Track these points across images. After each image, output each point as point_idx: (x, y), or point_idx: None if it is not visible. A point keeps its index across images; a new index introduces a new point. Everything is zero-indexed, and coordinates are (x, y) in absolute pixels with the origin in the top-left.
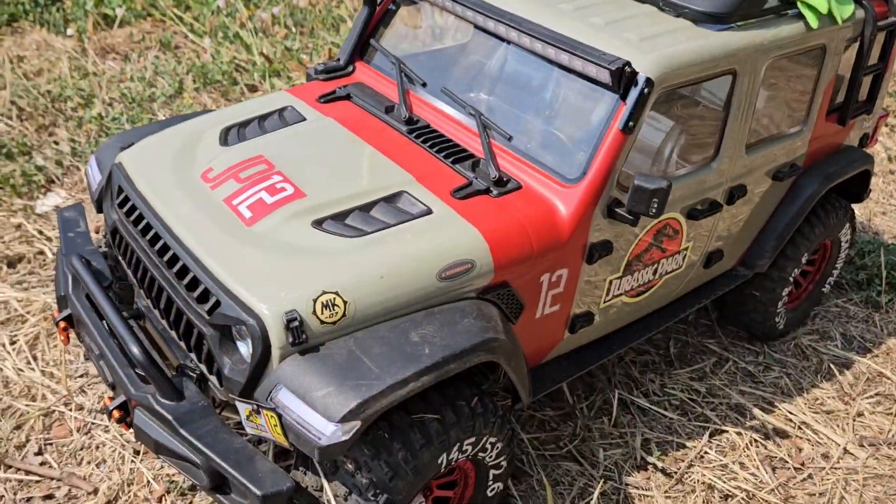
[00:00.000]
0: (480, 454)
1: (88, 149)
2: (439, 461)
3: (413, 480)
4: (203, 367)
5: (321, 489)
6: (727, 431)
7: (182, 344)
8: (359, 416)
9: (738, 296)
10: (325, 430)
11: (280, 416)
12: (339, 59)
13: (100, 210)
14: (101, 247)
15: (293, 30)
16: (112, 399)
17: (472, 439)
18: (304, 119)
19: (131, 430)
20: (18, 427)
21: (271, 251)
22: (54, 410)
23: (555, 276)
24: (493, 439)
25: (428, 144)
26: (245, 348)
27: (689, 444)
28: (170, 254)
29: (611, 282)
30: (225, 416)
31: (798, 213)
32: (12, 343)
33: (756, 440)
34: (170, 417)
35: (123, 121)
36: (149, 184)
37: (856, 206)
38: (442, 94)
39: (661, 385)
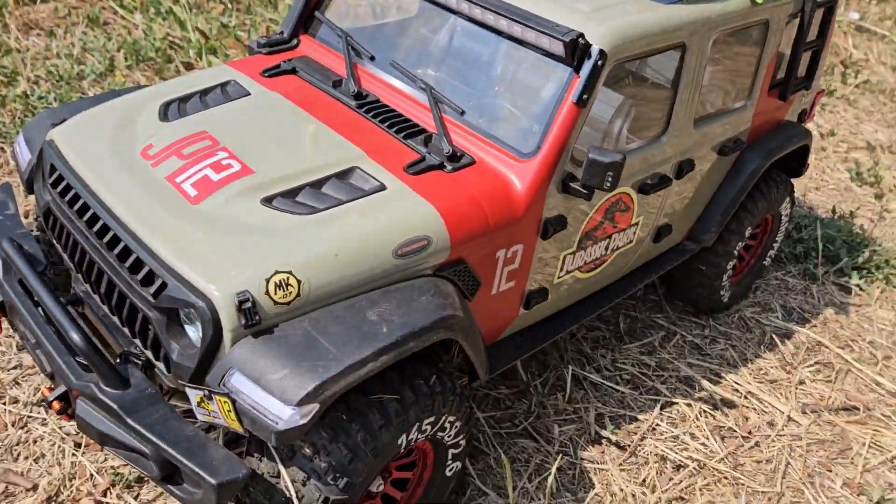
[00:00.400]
0: (439, 433)
1: (14, 129)
2: (399, 442)
3: (373, 462)
4: (149, 354)
5: (278, 475)
6: (677, 403)
7: (125, 330)
8: (317, 398)
9: (684, 271)
10: (282, 414)
11: (234, 402)
12: (282, 33)
13: (30, 191)
14: (32, 230)
15: (229, 5)
16: (51, 389)
17: (432, 419)
18: (249, 94)
19: (73, 421)
20: None
21: (219, 230)
22: None
23: (510, 251)
24: (451, 418)
25: (378, 119)
26: (194, 332)
27: (641, 417)
28: (110, 235)
29: (564, 257)
30: (174, 404)
31: (742, 188)
32: None
33: (705, 411)
34: (115, 406)
35: (51, 99)
36: (84, 161)
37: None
38: (391, 68)
39: (612, 360)
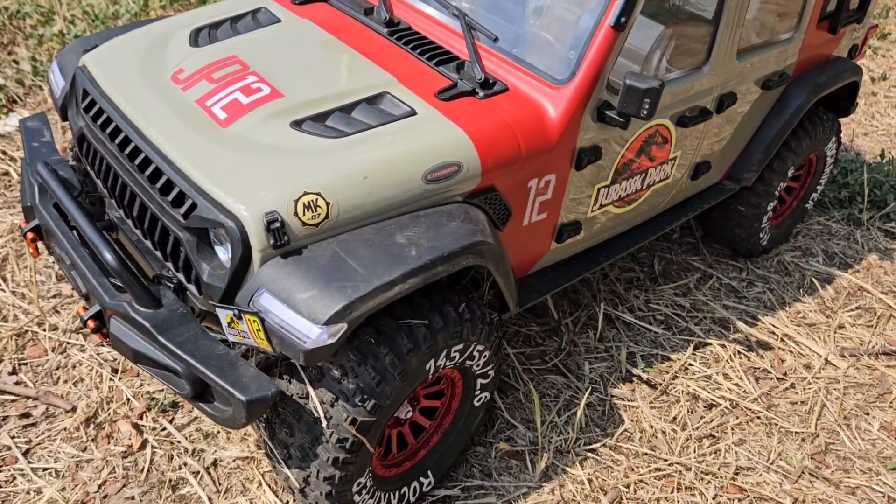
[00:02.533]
0: (468, 362)
1: (51, 67)
2: (427, 367)
3: (400, 386)
4: (181, 276)
5: (306, 397)
6: (711, 344)
7: (158, 253)
8: (344, 318)
9: (723, 211)
10: (310, 333)
11: (263, 321)
12: None
13: (65, 118)
14: (68, 160)
15: None
16: (86, 309)
17: (460, 346)
18: (279, 20)
19: (107, 340)
20: None
21: (249, 152)
22: (27, 331)
23: (542, 181)
24: (480, 347)
25: (410, 46)
26: (224, 253)
27: (673, 356)
28: (141, 157)
29: (598, 190)
30: (206, 326)
31: (786, 125)
32: None
33: (739, 352)
34: (147, 325)
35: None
36: (115, 86)
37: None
38: None
39: (645, 301)
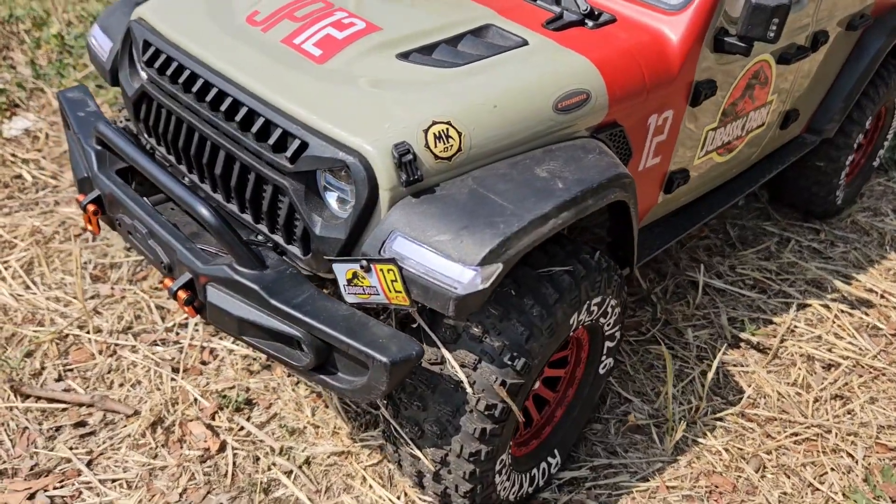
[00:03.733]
0: (601, 319)
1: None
2: (571, 321)
3: (547, 342)
4: (278, 238)
5: (441, 362)
6: (811, 305)
7: (246, 217)
8: (500, 257)
9: (798, 170)
10: (462, 277)
11: (400, 269)
12: None
13: (114, 83)
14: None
15: None
16: (172, 280)
17: (598, 298)
18: None
19: (198, 316)
20: (29, 354)
21: (357, 85)
22: (68, 335)
23: (661, 118)
24: (613, 302)
25: None
26: (336, 199)
27: (775, 319)
28: (228, 101)
29: (706, 133)
30: None
31: (867, 70)
32: (5, 268)
33: (843, 311)
34: (256, 287)
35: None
36: (184, 33)
37: None
38: None
39: (730, 266)
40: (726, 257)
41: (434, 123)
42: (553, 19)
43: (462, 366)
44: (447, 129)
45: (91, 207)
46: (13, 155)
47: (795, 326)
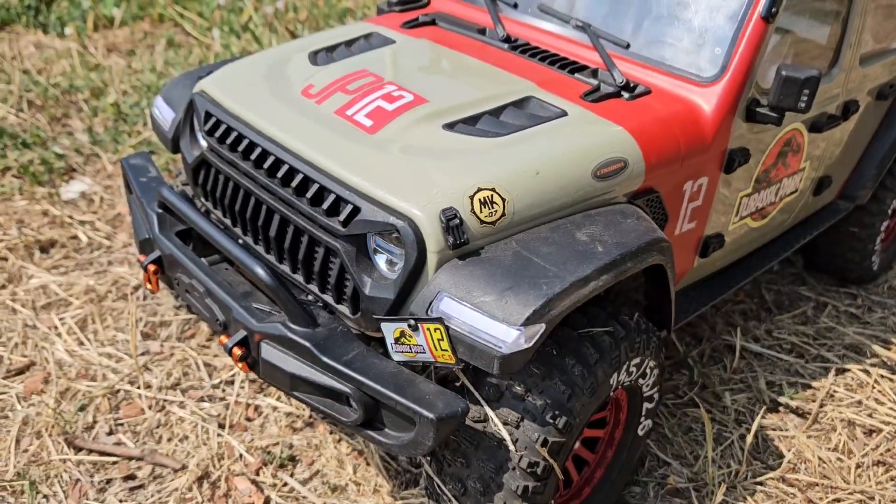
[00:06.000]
0: (640, 380)
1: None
2: (611, 381)
3: (588, 401)
4: (328, 298)
5: (485, 420)
6: (850, 370)
7: (298, 277)
8: (543, 317)
9: (833, 236)
10: (507, 336)
11: (447, 329)
12: None
13: (175, 150)
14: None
15: (300, 25)
16: (229, 336)
17: (638, 360)
18: (394, 41)
19: (251, 372)
20: (83, 408)
21: (406, 154)
22: (119, 390)
23: (696, 184)
24: (652, 363)
25: (537, 58)
26: (386, 261)
27: (814, 384)
28: (284, 169)
29: (741, 199)
30: None
31: None
32: (61, 324)
33: (884, 376)
34: (308, 344)
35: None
36: (244, 104)
37: None
38: (539, 12)
39: (766, 331)
40: (762, 322)
41: (479, 190)
42: (591, 91)
43: (505, 423)
44: (492, 196)
45: (151, 267)
46: (70, 217)
47: (835, 391)
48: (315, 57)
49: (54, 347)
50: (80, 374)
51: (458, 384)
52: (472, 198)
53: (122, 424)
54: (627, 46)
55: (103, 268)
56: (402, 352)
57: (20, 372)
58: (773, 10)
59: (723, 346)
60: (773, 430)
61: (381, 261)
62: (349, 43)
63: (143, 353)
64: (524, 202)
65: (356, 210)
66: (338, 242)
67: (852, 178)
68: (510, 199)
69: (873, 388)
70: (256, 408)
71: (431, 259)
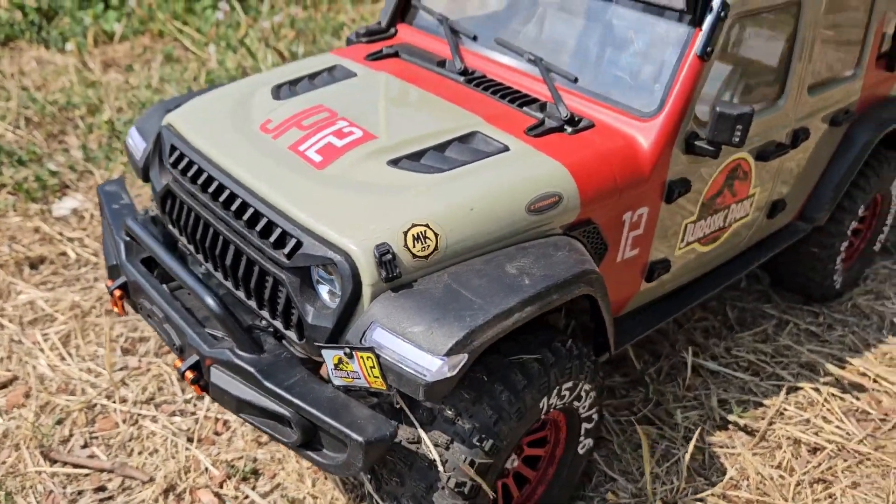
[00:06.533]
0: (575, 402)
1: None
2: (540, 405)
3: (516, 425)
4: (278, 323)
5: (418, 441)
6: (803, 388)
7: (252, 303)
8: (465, 348)
9: (795, 255)
10: (431, 365)
11: (378, 357)
12: (380, 23)
13: (146, 179)
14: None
15: (297, 38)
16: (182, 360)
17: (570, 384)
18: (355, 74)
19: (204, 393)
20: (60, 422)
21: (349, 190)
22: (96, 404)
23: (636, 215)
24: (587, 386)
25: (490, 91)
26: (327, 292)
27: (766, 402)
28: (238, 202)
29: (686, 226)
30: None
31: (855, 161)
32: (45, 340)
33: (834, 395)
34: (252, 370)
35: None
36: (205, 138)
37: None
38: (496, 45)
39: (726, 348)
40: (723, 339)
41: (413, 226)
42: (534, 126)
43: (436, 445)
44: (425, 231)
45: (117, 292)
46: (60, 233)
47: (785, 409)
48: (278, 91)
49: (37, 362)
50: (60, 388)
51: (397, 406)
52: (405, 233)
53: (96, 438)
54: (576, 81)
55: (89, 284)
56: (341, 377)
57: (4, 386)
58: (709, 49)
59: (681, 364)
60: (721, 447)
61: (323, 291)
62: (313, 76)
63: (121, 368)
64: (457, 237)
65: (299, 244)
66: (283, 274)
67: (810, 201)
68: (443, 234)
69: (823, 406)
70: (225, 422)
71: (367, 291)
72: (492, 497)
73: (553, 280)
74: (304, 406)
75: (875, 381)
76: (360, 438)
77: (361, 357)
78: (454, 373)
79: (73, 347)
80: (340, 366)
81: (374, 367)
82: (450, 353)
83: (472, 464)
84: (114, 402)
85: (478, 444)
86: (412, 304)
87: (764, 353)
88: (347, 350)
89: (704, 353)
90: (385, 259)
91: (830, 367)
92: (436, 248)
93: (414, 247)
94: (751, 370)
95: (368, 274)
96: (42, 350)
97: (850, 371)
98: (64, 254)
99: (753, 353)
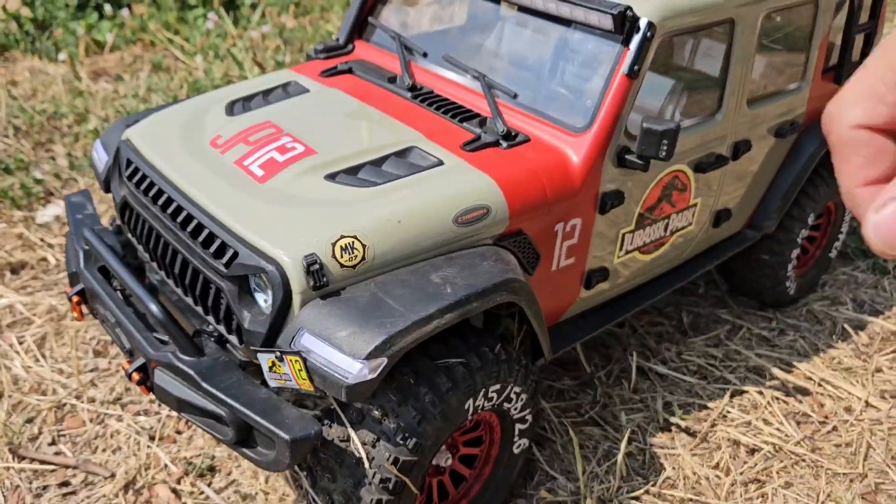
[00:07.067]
0: (505, 404)
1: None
2: (466, 407)
3: (441, 426)
4: (221, 328)
5: (348, 440)
6: (748, 392)
7: (198, 309)
8: (384, 352)
9: (747, 262)
10: (352, 368)
11: (304, 360)
12: (338, 39)
13: (107, 190)
14: (111, 229)
15: (283, 47)
16: (130, 363)
17: (497, 386)
18: (308, 91)
19: (150, 394)
20: (30, 420)
21: (286, 204)
22: (66, 403)
23: (568, 225)
24: (517, 389)
25: (434, 107)
26: (264, 299)
27: (710, 405)
28: (183, 214)
29: (623, 235)
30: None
31: (801, 172)
32: (20, 343)
33: (777, 398)
34: (191, 372)
35: None
36: (158, 153)
37: None
38: (444, 62)
39: (677, 353)
40: (675, 343)
41: (342, 237)
42: (470, 141)
43: (363, 444)
44: (353, 242)
45: (76, 298)
46: (41, 239)
47: (728, 412)
48: (232, 107)
49: (12, 364)
50: (32, 388)
51: (332, 407)
52: (334, 245)
53: (64, 436)
54: (515, 97)
55: (66, 288)
56: (275, 379)
57: None
58: (636, 68)
59: (631, 367)
60: (661, 448)
61: (260, 299)
62: (267, 92)
63: (92, 370)
64: (384, 248)
65: (236, 254)
66: (223, 282)
67: (759, 210)
68: (370, 245)
69: (765, 409)
70: (187, 422)
71: (296, 298)
72: (416, 494)
73: (474, 289)
74: (238, 406)
75: (819, 384)
76: (286, 436)
77: (291, 360)
78: (374, 375)
79: (48, 350)
80: (274, 368)
81: (301, 369)
82: (369, 356)
83: (395, 461)
84: (82, 401)
85: (402, 442)
86: (338, 311)
87: (714, 357)
88: (278, 354)
89: (655, 356)
90: (313, 269)
91: (777, 372)
92: (363, 259)
93: (342, 257)
94: (699, 374)
95: (298, 282)
96: (17, 353)
97: (797, 375)
98: (44, 259)
99: (703, 357)
